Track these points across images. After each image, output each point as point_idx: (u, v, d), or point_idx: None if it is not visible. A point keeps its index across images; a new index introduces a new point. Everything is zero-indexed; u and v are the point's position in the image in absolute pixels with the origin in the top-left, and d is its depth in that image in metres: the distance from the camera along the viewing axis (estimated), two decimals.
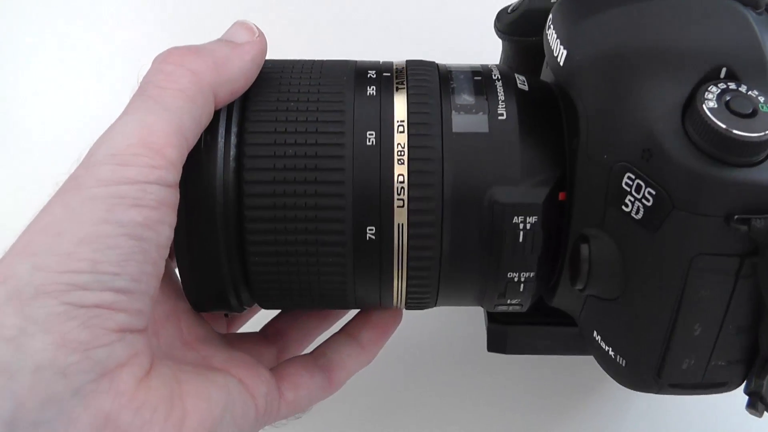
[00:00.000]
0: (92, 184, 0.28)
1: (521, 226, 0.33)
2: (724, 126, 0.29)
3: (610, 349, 0.36)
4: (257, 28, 0.34)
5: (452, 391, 0.49)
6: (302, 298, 0.36)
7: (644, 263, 0.32)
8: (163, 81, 0.31)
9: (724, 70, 0.31)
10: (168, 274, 0.36)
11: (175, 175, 0.30)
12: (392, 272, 0.34)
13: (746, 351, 0.34)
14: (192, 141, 0.31)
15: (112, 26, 0.56)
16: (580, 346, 0.40)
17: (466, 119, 0.34)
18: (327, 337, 0.40)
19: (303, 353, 0.40)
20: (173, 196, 0.30)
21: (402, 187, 0.33)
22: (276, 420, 0.36)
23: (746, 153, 0.30)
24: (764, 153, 0.30)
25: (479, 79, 0.35)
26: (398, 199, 0.33)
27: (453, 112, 0.34)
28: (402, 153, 0.33)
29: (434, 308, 0.39)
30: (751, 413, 0.36)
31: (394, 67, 0.36)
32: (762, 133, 0.29)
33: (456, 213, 0.33)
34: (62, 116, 0.54)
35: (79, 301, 0.27)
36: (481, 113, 0.34)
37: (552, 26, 0.35)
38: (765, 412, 0.36)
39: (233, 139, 0.33)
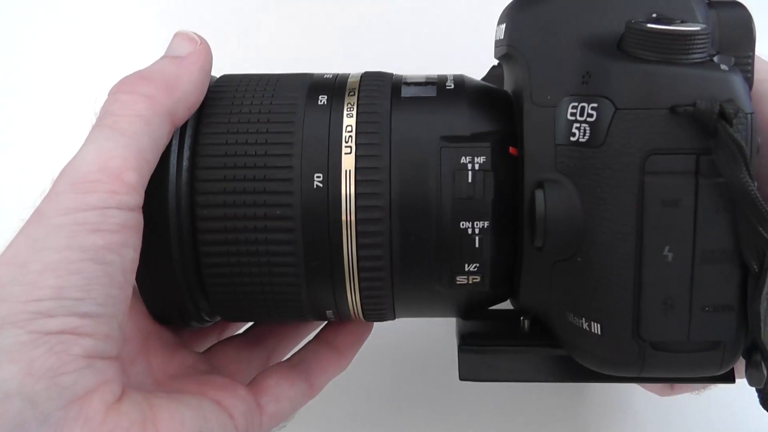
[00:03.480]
0: (54, 214, 0.28)
1: (470, 166, 0.32)
2: (658, 26, 0.30)
3: (583, 320, 0.32)
4: (198, 36, 0.35)
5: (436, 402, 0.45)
6: (254, 295, 0.34)
7: (598, 187, 0.31)
8: (119, 109, 0.31)
9: (654, 15, 0.33)
10: (138, 312, 0.35)
11: (136, 198, 0.30)
12: (341, 223, 0.33)
13: (736, 291, 0.30)
14: (153, 163, 0.32)
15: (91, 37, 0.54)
16: (560, 370, 0.36)
17: (415, 89, 0.35)
18: None
19: (280, 361, 0.39)
20: (135, 220, 0.30)
21: (350, 136, 0.33)
22: None
23: (682, 48, 0.30)
24: (699, 52, 0.30)
25: (431, 75, 0.37)
26: (346, 146, 0.33)
27: (403, 85, 0.35)
28: (351, 107, 0.34)
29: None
30: (751, 382, 0.31)
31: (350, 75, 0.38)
32: (695, 27, 0.30)
33: (404, 160, 0.33)
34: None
35: (44, 328, 0.27)
36: (430, 85, 0.35)
37: (497, 26, 0.37)
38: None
39: (188, 130, 0.34)
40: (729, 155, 0.29)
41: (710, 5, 0.34)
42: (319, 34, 0.48)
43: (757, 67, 0.34)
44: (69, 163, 0.30)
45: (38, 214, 0.29)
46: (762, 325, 0.30)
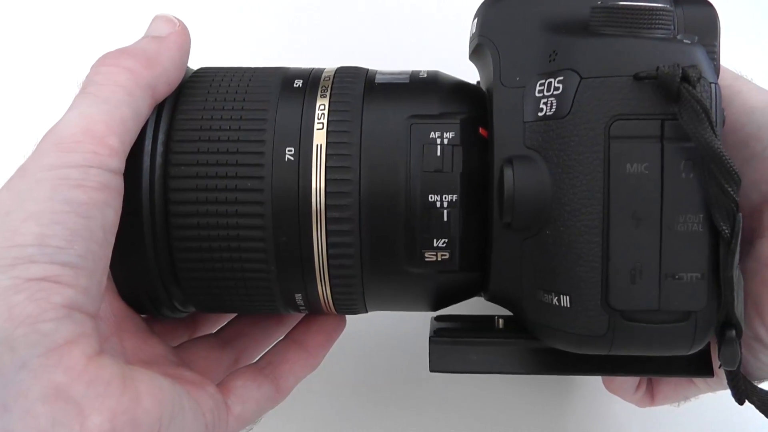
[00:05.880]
0: (37, 170, 0.29)
1: (438, 140, 0.33)
2: (622, 3, 0.31)
3: (553, 295, 0.31)
4: (176, 18, 0.36)
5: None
6: (224, 272, 0.34)
7: (565, 155, 0.31)
8: (102, 79, 0.32)
9: None
10: (114, 294, 0.35)
11: (118, 162, 0.31)
12: (310, 196, 0.33)
13: (706, 258, 0.30)
14: (134, 132, 0.32)
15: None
16: (532, 362, 0.35)
17: (389, 76, 0.36)
18: None
19: (250, 363, 0.38)
20: (117, 182, 0.31)
21: (323, 113, 0.33)
22: None
23: (645, 22, 0.31)
24: (662, 27, 0.31)
25: (407, 69, 0.37)
26: (318, 123, 0.33)
27: (377, 74, 0.36)
28: (326, 90, 0.34)
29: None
30: (724, 362, 0.31)
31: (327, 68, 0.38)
32: (658, 4, 0.31)
33: (374, 135, 0.33)
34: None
35: (26, 274, 0.27)
36: (403, 75, 0.36)
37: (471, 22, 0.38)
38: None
39: (166, 107, 0.34)
40: (693, 115, 0.29)
41: (676, 2, 0.35)
42: (303, 38, 0.49)
43: (723, 75, 0.35)
44: (53, 127, 0.30)
45: (22, 170, 0.29)
46: (735, 295, 0.30)
